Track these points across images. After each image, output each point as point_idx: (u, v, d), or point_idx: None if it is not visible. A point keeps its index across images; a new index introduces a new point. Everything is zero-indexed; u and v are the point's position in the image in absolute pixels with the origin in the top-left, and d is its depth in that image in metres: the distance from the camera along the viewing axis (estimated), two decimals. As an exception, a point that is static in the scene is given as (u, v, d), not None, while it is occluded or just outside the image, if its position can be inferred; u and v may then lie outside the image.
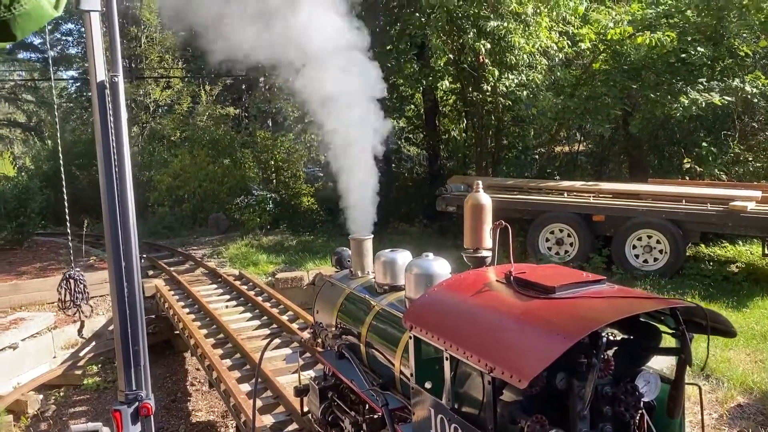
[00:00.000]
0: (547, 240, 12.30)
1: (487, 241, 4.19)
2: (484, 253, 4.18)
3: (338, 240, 15.60)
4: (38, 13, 1.34)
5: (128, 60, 25.92)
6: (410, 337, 3.68)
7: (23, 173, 25.46)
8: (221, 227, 18.84)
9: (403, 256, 4.91)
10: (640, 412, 3.17)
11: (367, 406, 4.61)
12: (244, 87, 28.59)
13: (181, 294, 11.47)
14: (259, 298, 10.61)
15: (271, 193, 19.48)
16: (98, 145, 3.45)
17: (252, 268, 13.52)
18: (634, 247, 11.42)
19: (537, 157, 18.10)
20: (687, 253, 11.66)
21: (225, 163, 20.93)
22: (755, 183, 12.82)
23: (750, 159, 14.96)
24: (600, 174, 16.98)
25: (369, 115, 5.37)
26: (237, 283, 11.75)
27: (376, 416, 4.59)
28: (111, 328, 11.24)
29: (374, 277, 5.20)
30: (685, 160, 14.78)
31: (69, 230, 5.36)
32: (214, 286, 12.06)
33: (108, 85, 3.39)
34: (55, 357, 10.57)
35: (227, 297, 11.18)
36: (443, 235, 15.64)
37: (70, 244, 5.88)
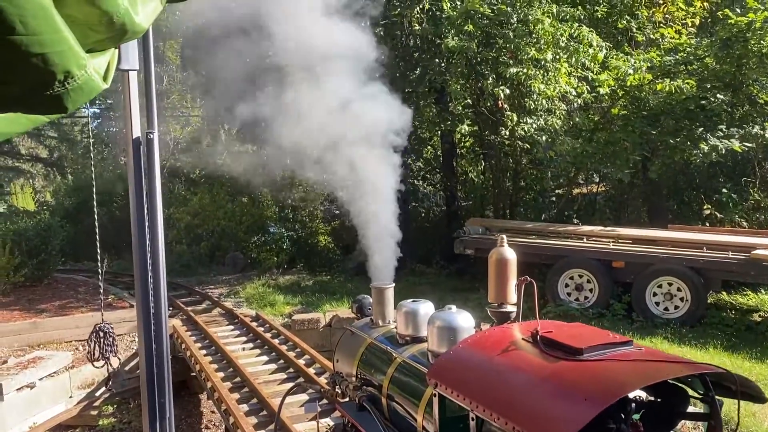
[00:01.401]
0: (567, 285, 12.19)
1: (512, 296, 4.18)
2: (509, 308, 4.17)
3: (354, 281, 15.62)
4: (90, 87, 1.40)
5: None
6: (434, 395, 3.66)
7: (44, 208, 25.90)
8: (238, 266, 18.93)
9: (425, 307, 4.90)
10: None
11: (387, 460, 4.55)
12: (263, 125, 29.09)
13: (198, 335, 11.49)
14: (276, 341, 10.58)
15: (288, 232, 19.60)
16: (132, 201, 3.53)
17: (269, 308, 13.52)
18: (655, 294, 11.28)
19: (555, 199, 18.10)
20: (708, 301, 11.48)
21: (243, 201, 21.16)
22: (777, 231, 12.67)
23: (771, 206, 14.84)
24: (619, 218, 16.90)
25: (391, 164, 5.45)
26: (254, 324, 11.74)
27: (396, 471, 4.53)
28: (127, 368, 11.25)
29: (396, 327, 5.19)
30: (705, 206, 14.69)
31: (102, 283, 5.42)
32: (231, 327, 12.06)
33: (144, 142, 3.49)
34: (71, 397, 10.57)
35: (244, 339, 11.17)
36: (461, 277, 15.58)
37: (102, 297, 5.95)
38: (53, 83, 1.29)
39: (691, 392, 3.24)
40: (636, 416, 3.11)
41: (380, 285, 5.46)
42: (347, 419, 5.25)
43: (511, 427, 2.97)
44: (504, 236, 4.32)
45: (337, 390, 5.55)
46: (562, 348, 3.28)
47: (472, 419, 3.33)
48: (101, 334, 5.12)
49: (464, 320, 4.39)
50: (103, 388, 10.90)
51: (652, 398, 3.30)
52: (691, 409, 3.37)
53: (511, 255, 4.23)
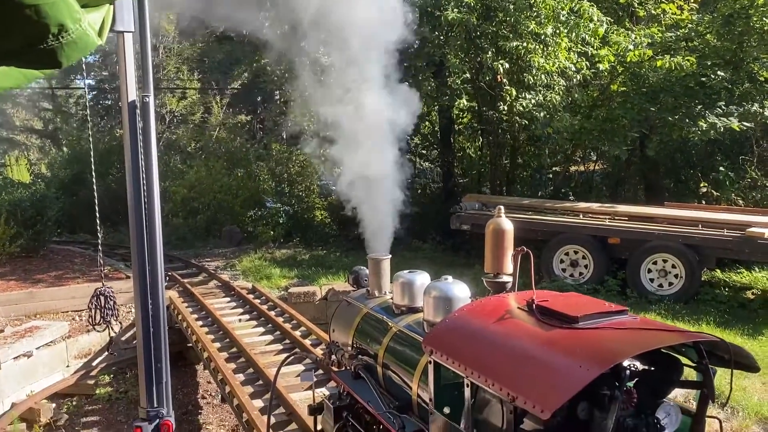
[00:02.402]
0: (562, 261, 12.25)
1: (508, 266, 4.19)
2: (505, 279, 4.18)
3: (351, 255, 15.64)
4: (84, 42, 1.37)
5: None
6: (430, 362, 3.68)
7: (39, 180, 25.75)
8: (235, 239, 18.93)
9: (421, 278, 4.92)
10: (660, 444, 3.15)
11: (381, 427, 4.59)
12: (259, 99, 28.85)
13: (194, 306, 11.52)
14: (272, 313, 10.63)
15: (284, 206, 19.57)
16: (127, 164, 3.50)
17: (265, 281, 13.55)
18: (650, 271, 11.35)
19: (551, 176, 18.08)
20: (702, 279, 11.56)
21: (239, 175, 21.08)
22: (772, 209, 12.71)
23: (767, 185, 14.86)
24: (615, 196, 16.91)
25: (392, 135, 5.41)
26: (250, 296, 11.79)
27: (390, 438, 4.58)
28: (124, 338, 11.30)
29: (392, 298, 5.21)
30: (701, 184, 14.69)
31: (101, 246, 5.40)
32: (228, 299, 12.10)
33: (139, 105, 3.45)
34: (68, 366, 10.63)
35: (240, 310, 11.21)
36: (456, 252, 15.62)
37: (101, 261, 5.93)
38: (47, 36, 1.26)
39: (685, 361, 3.27)
40: (630, 384, 3.14)
41: (377, 256, 5.47)
42: (342, 388, 5.29)
43: (505, 392, 3.00)
44: (501, 206, 4.31)
45: (332, 359, 5.58)
46: (558, 316, 3.29)
47: (467, 385, 3.35)
48: (102, 299, 5.12)
49: (460, 291, 4.41)
50: (100, 358, 10.98)
51: (646, 367, 3.33)
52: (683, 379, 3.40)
53: (508, 225, 4.23)
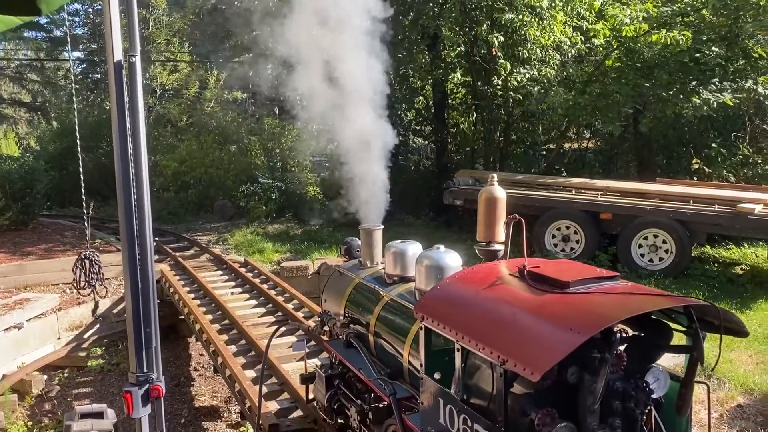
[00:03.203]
0: (554, 236, 12.28)
1: (500, 234, 4.18)
2: (497, 247, 4.17)
3: (343, 230, 15.62)
4: None
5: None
6: (421, 328, 3.68)
7: (28, 154, 25.45)
8: (226, 214, 18.85)
9: (413, 248, 4.91)
10: (648, 408, 3.18)
11: (373, 395, 4.62)
12: (251, 74, 28.47)
13: (186, 279, 11.50)
14: (265, 286, 10.63)
15: (276, 182, 19.45)
16: (114, 127, 3.44)
17: (257, 255, 13.53)
18: (640, 246, 11.41)
19: (545, 153, 18.04)
20: (692, 254, 11.63)
21: (231, 150, 20.90)
22: (763, 186, 12.76)
23: (759, 161, 14.89)
24: (608, 172, 16.93)
25: (381, 104, 5.35)
26: (242, 270, 11.77)
27: (381, 405, 4.61)
28: (116, 311, 11.28)
29: (384, 268, 5.20)
30: (693, 161, 14.71)
31: (85, 211, 5.34)
32: (220, 272, 12.08)
33: (125, 66, 3.37)
34: (59, 338, 10.61)
35: (233, 284, 11.20)
36: (449, 228, 15.64)
37: (86, 224, 5.87)
38: None
39: (674, 326, 3.28)
40: (621, 349, 3.14)
41: (369, 227, 5.46)
42: (335, 356, 5.31)
43: (495, 356, 3.00)
44: (494, 175, 4.28)
45: (324, 329, 5.59)
46: (549, 282, 3.29)
47: (458, 350, 3.36)
48: (86, 262, 5.06)
49: (452, 259, 4.40)
50: (92, 330, 10.96)
51: (636, 332, 3.34)
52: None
53: (500, 194, 4.21)
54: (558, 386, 3.00)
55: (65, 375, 9.96)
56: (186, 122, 23.81)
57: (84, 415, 5.61)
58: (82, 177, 4.41)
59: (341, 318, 5.25)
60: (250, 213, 17.67)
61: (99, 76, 30.02)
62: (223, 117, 21.74)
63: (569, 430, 2.99)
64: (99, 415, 5.65)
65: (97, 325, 11.11)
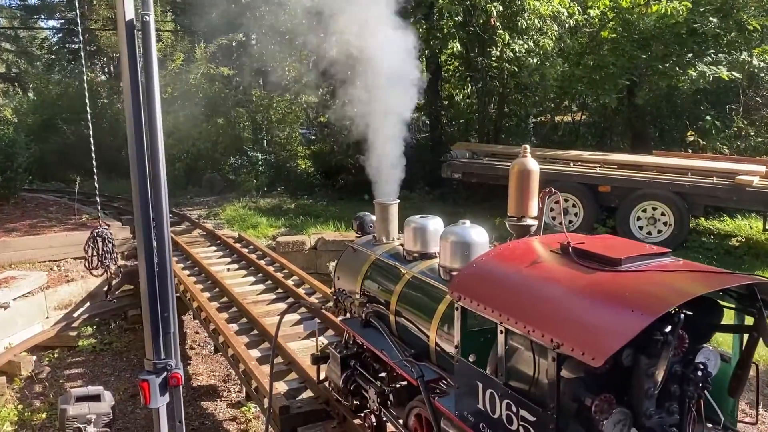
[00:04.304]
0: (552, 209, 12.13)
1: (533, 209, 3.97)
2: (530, 222, 3.98)
3: (339, 204, 15.36)
4: None
5: (115, 11, 24.84)
6: (456, 308, 3.48)
7: (7, 126, 24.61)
8: (216, 188, 18.45)
9: (434, 223, 4.71)
10: (705, 391, 3.03)
11: (395, 374, 4.44)
12: (234, 44, 27.67)
13: (179, 255, 11.19)
14: (262, 262, 10.37)
15: (264, 155, 19.03)
16: (126, 91, 3.14)
17: (251, 230, 13.23)
18: (639, 218, 11.36)
19: (538, 125, 17.84)
20: (689, 226, 11.62)
21: (219, 122, 20.37)
22: (759, 158, 12.74)
23: (752, 134, 14.88)
24: (601, 145, 16.80)
25: (399, 77, 5.05)
26: (237, 245, 11.48)
27: (402, 386, 4.44)
28: (105, 288, 10.93)
29: (401, 244, 4.99)
30: (688, 133, 14.63)
31: (96, 185, 5.00)
32: (213, 248, 11.79)
33: (139, 25, 3.06)
34: (47, 318, 10.28)
35: (228, 260, 10.92)
36: (444, 201, 15.44)
37: (98, 200, 5.54)
38: None
39: (725, 304, 3.12)
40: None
41: (384, 201, 5.22)
42: (349, 335, 5.11)
43: (548, 339, 2.82)
44: (527, 146, 4.06)
45: (338, 307, 5.37)
46: (598, 258, 3.11)
47: (501, 332, 3.17)
48: (99, 241, 4.76)
49: (478, 235, 4.21)
50: (82, 309, 10.64)
51: (688, 312, 3.18)
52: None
53: (534, 166, 4.01)
54: (611, 369, 2.84)
55: (55, 356, 9.67)
56: (170, 94, 23.12)
57: (80, 398, 5.37)
58: (93, 149, 4.09)
59: (357, 296, 5.04)
60: (240, 186, 17.30)
61: (77, 45, 29.00)
62: (210, 88, 21.09)
63: (625, 416, 2.84)
64: (96, 398, 5.42)
65: (87, 304, 10.78)
